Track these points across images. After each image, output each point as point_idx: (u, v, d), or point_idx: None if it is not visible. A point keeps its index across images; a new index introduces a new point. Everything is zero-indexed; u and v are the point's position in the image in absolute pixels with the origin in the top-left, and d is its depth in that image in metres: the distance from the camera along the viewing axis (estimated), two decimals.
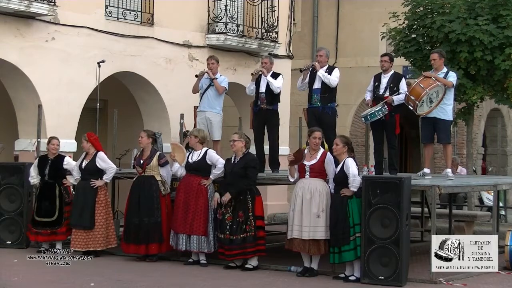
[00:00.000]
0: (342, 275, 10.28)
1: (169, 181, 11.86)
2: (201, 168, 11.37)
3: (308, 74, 12.31)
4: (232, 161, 11.11)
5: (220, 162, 11.29)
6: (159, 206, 11.54)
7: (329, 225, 10.24)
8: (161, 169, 11.69)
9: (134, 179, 11.87)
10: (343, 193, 10.15)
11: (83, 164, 11.88)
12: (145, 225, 11.47)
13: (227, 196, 10.87)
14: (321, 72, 12.15)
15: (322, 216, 10.29)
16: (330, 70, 12.23)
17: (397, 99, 11.92)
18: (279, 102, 13.03)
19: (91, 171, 11.84)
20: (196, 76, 13.45)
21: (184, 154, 11.73)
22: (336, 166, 10.41)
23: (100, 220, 11.77)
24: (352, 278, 10.17)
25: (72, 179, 12.18)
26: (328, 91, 12.18)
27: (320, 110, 12.19)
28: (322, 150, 10.66)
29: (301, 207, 10.40)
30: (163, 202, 11.62)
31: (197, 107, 13.58)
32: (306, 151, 10.65)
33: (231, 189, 10.86)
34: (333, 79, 12.13)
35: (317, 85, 12.22)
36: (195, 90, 13.52)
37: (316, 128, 10.81)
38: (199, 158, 11.38)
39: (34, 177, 12.28)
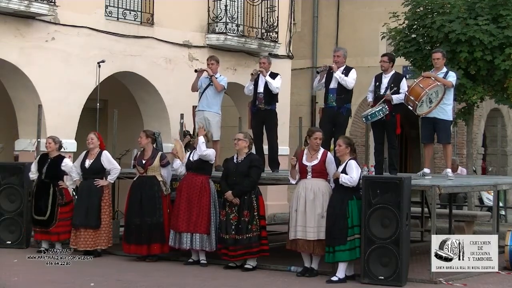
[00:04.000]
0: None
1: (169, 181, 11.86)
2: (203, 166, 11.39)
3: (325, 75, 12.27)
4: (235, 160, 11.11)
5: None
6: (161, 206, 11.55)
7: (326, 223, 10.23)
8: (162, 169, 11.69)
9: (134, 179, 11.87)
10: (335, 176, 10.19)
11: (87, 164, 11.86)
12: (147, 225, 11.47)
13: (229, 193, 10.88)
14: (338, 74, 12.09)
15: (326, 216, 10.29)
16: (347, 71, 12.17)
17: (397, 98, 11.91)
18: (277, 102, 13.03)
19: (96, 171, 11.83)
20: (196, 71, 13.45)
21: (183, 150, 11.76)
22: (338, 166, 10.41)
23: (105, 219, 11.79)
24: (334, 278, 10.13)
25: (69, 182, 12.16)
26: (344, 92, 12.13)
27: (336, 110, 12.16)
28: (322, 150, 10.65)
29: (304, 207, 10.39)
30: (165, 202, 11.62)
31: (196, 106, 13.58)
32: (306, 151, 10.65)
33: (235, 190, 10.87)
34: (350, 81, 12.08)
35: (333, 85, 12.16)
36: (194, 88, 13.51)
37: (316, 128, 10.82)
38: (200, 158, 11.39)
39: (33, 173, 12.29)
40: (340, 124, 12.17)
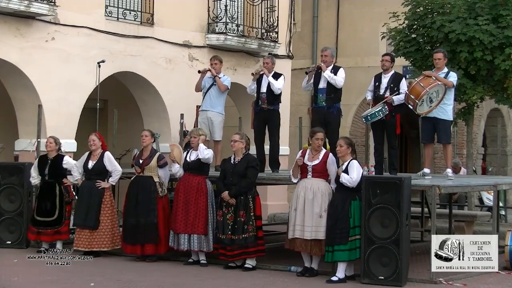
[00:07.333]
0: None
1: (167, 182, 11.85)
2: (200, 167, 11.39)
3: (314, 75, 12.28)
4: (232, 161, 11.11)
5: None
6: (156, 207, 11.51)
7: (327, 223, 10.23)
8: (159, 170, 11.67)
9: (132, 178, 11.86)
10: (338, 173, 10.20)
11: (90, 165, 11.85)
12: (142, 226, 11.46)
13: (226, 193, 10.89)
14: (327, 73, 12.10)
15: (324, 216, 10.28)
16: (335, 70, 12.20)
17: (397, 99, 11.92)
18: (280, 102, 13.02)
19: (99, 172, 11.83)
20: (199, 72, 13.46)
21: (182, 154, 11.73)
22: (339, 167, 10.41)
23: (106, 220, 11.76)
24: (334, 278, 10.13)
25: (72, 179, 12.17)
26: (334, 92, 12.15)
27: (326, 109, 12.17)
28: (324, 150, 10.67)
29: (303, 207, 10.39)
30: (160, 203, 11.59)
31: (200, 106, 13.58)
32: (308, 151, 10.66)
33: (231, 190, 10.88)
34: (339, 79, 12.10)
35: (322, 85, 12.18)
36: (197, 89, 13.51)
37: (318, 129, 10.80)
38: (197, 157, 11.39)
39: (34, 178, 12.27)
40: (332, 124, 12.16)
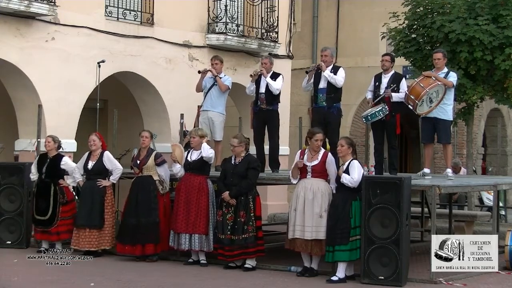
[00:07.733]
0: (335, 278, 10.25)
1: (168, 180, 11.86)
2: (201, 167, 11.40)
3: (314, 75, 12.29)
4: (233, 161, 11.11)
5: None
6: (157, 206, 11.54)
7: (328, 223, 10.23)
8: (158, 168, 11.69)
9: (133, 179, 11.87)
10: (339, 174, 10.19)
11: (89, 165, 11.87)
12: (143, 226, 11.47)
13: (226, 194, 10.90)
14: (327, 73, 12.10)
15: (324, 216, 10.29)
16: (335, 70, 12.20)
17: (396, 96, 11.92)
18: (279, 102, 13.02)
19: (99, 171, 11.86)
20: (199, 72, 13.46)
21: (183, 154, 11.74)
22: (338, 166, 10.41)
23: (108, 219, 11.83)
24: (334, 278, 10.14)
25: (70, 180, 12.17)
26: (334, 91, 12.16)
27: (326, 109, 12.17)
28: (323, 150, 10.67)
29: (303, 207, 10.40)
30: (161, 202, 11.62)
31: (201, 106, 13.58)
32: (306, 151, 10.66)
33: (232, 191, 10.88)
34: (339, 79, 12.11)
35: (322, 85, 12.18)
36: (198, 89, 13.52)
37: (317, 130, 10.78)
38: (198, 157, 11.40)
39: (34, 174, 12.31)
40: (332, 124, 12.16)
